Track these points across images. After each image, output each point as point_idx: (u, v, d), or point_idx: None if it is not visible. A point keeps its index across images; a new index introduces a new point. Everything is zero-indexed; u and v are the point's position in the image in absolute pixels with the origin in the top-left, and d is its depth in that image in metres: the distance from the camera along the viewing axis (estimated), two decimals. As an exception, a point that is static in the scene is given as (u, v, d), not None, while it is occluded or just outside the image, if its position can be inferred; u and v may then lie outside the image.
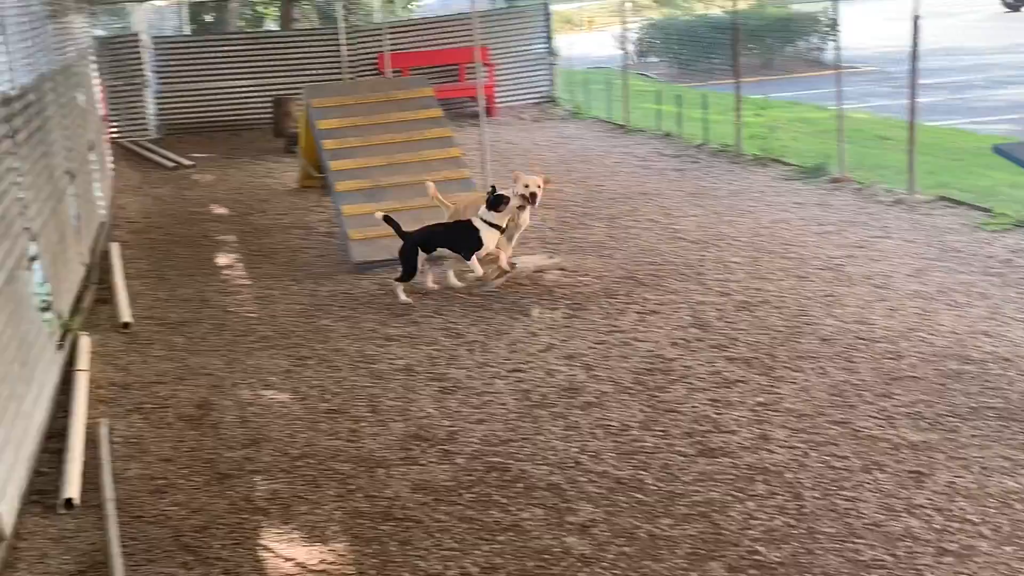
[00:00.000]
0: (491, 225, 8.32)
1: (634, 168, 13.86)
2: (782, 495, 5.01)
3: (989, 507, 4.76)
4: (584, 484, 5.27)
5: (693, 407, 6.10)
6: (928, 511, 4.76)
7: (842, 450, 5.43)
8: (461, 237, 8.39)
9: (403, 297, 8.43)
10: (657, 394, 6.33)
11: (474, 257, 8.33)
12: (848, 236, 9.56)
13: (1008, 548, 4.42)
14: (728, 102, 14.83)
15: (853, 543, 4.54)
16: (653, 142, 15.68)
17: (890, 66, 20.66)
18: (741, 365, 6.69)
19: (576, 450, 5.64)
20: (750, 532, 4.70)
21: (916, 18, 10.62)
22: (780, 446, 5.53)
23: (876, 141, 13.95)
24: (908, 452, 5.35)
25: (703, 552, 4.56)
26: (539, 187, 8.51)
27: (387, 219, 8.60)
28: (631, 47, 24.41)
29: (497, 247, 8.43)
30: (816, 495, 4.98)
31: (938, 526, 4.63)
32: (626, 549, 4.63)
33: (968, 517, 4.69)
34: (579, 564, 4.55)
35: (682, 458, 5.47)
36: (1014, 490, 4.88)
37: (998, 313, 7.25)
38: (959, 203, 10.35)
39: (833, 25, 18.10)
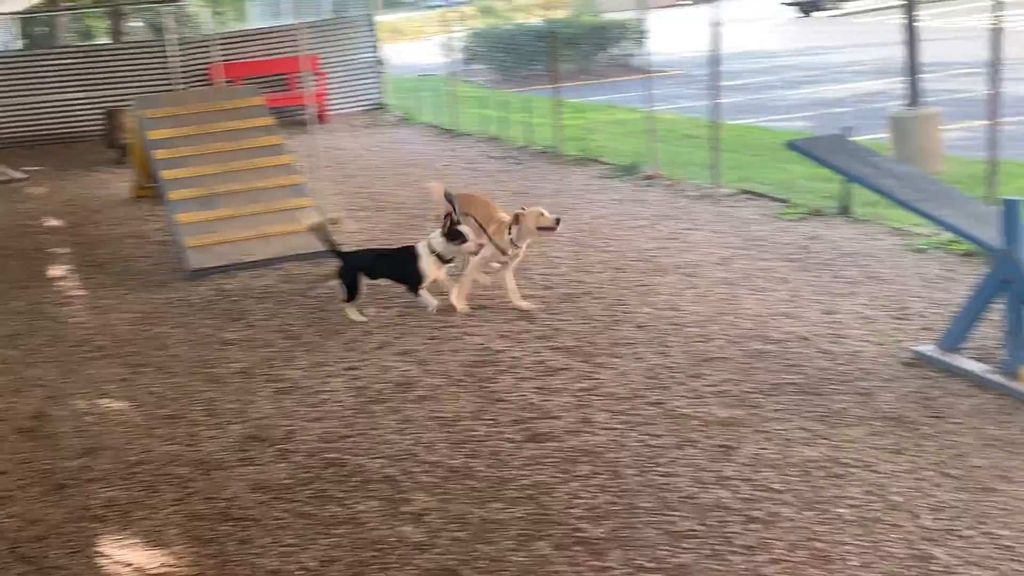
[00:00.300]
0: (436, 255, 7.47)
1: (462, 170, 13.88)
2: (604, 474, 5.10)
3: (791, 476, 4.93)
4: (418, 474, 5.26)
5: (520, 396, 6.15)
6: (736, 482, 4.91)
7: (658, 429, 5.55)
8: (401, 267, 7.60)
9: (356, 316, 7.60)
10: (487, 385, 6.36)
11: (423, 291, 7.55)
12: (661, 229, 9.78)
13: (809, 513, 4.58)
14: (549, 106, 15.00)
15: (669, 515, 4.64)
16: (480, 145, 15.74)
17: (696, 70, 21.17)
18: (564, 354, 6.77)
19: (410, 442, 5.63)
20: (574, 511, 4.77)
21: (715, 25, 10.94)
22: (601, 428, 5.62)
23: (684, 140, 14.30)
24: (717, 428, 5.50)
25: (531, 532, 4.60)
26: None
27: (318, 233, 7.85)
28: (457, 55, 24.45)
29: (445, 278, 7.70)
30: (635, 472, 5.08)
31: (745, 495, 4.77)
32: (458, 534, 4.64)
33: (772, 486, 4.85)
34: (414, 552, 4.54)
35: (511, 444, 5.51)
36: (813, 459, 5.07)
37: (797, 296, 7.51)
38: (760, 195, 10.70)
39: (642, 32, 18.57)
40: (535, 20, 27.41)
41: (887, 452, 5.07)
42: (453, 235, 7.40)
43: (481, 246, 7.47)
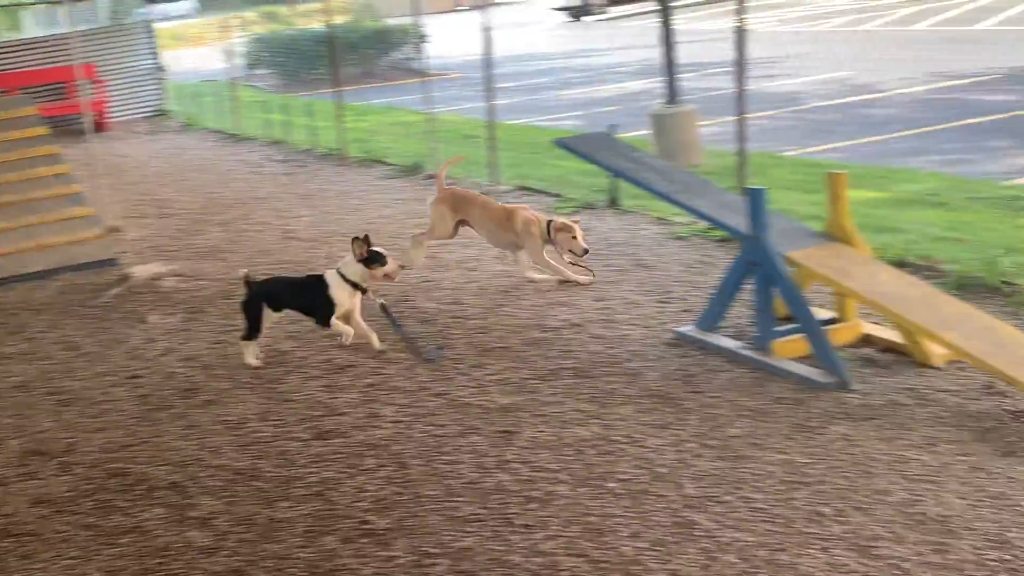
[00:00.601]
0: (348, 282, 6.44)
1: (247, 175, 13.59)
2: (390, 466, 5.08)
3: (566, 455, 5.03)
4: (205, 479, 5.12)
5: (307, 394, 6.07)
6: (515, 465, 4.97)
7: (442, 419, 5.57)
8: (309, 297, 6.51)
9: (252, 360, 6.51)
10: (274, 386, 6.24)
11: (335, 321, 6.45)
12: (442, 226, 9.81)
13: (582, 489, 4.68)
14: (332, 109, 14.85)
15: (453, 502, 4.67)
16: (264, 149, 15.45)
17: (474, 72, 21.37)
18: (351, 351, 6.70)
19: (196, 447, 5.47)
20: (361, 504, 4.73)
21: (487, 29, 11.05)
22: (388, 422, 5.60)
23: (465, 140, 14.41)
24: (498, 415, 5.56)
25: (318, 528, 4.55)
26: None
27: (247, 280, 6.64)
28: (239, 60, 23.89)
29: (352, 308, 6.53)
30: (420, 463, 5.09)
31: (524, 477, 4.84)
32: (246, 536, 4.54)
33: (549, 466, 4.94)
34: (200, 556, 4.41)
35: (298, 443, 5.43)
36: (586, 438, 5.19)
37: (570, 286, 7.66)
38: (536, 191, 10.88)
39: (422, 37, 18.60)
40: (317, 25, 27.08)
41: (653, 427, 5.24)
42: (372, 258, 6.40)
43: (402, 267, 6.65)
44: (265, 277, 6.85)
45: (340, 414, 5.77)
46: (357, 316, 6.54)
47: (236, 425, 5.71)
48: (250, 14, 32.94)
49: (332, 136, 14.50)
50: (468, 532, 4.40)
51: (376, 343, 6.54)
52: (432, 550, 4.28)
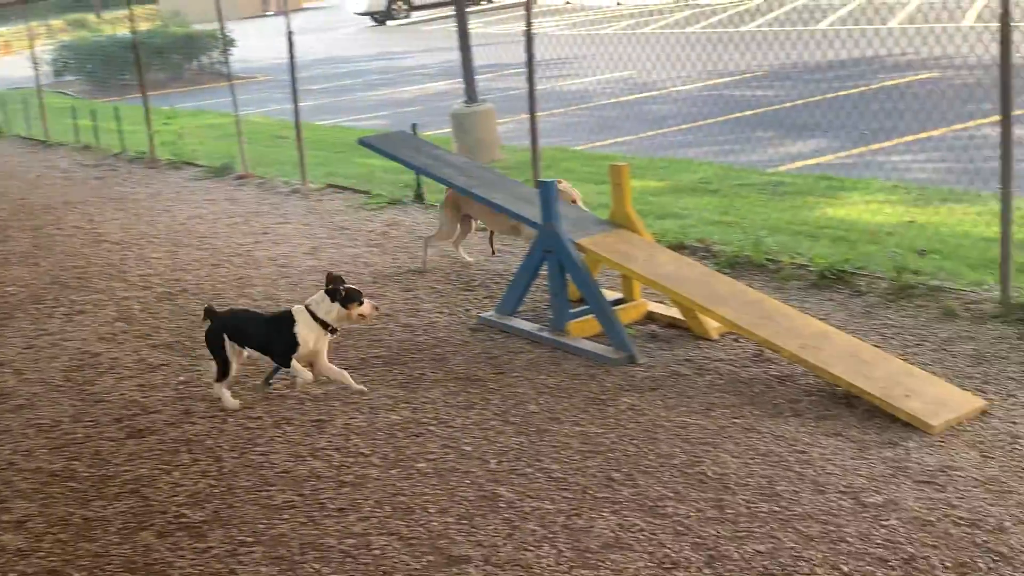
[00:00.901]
0: (318, 320, 5.39)
1: (56, 180, 12.93)
2: (204, 460, 4.92)
3: (377, 440, 4.99)
4: (18, 483, 4.84)
5: (121, 395, 5.82)
6: (328, 452, 4.90)
7: (256, 412, 5.42)
8: (272, 334, 5.43)
9: (229, 402, 5.48)
10: (87, 388, 5.96)
11: (295, 362, 5.36)
12: (254, 225, 9.59)
13: (394, 471, 4.65)
14: (140, 114, 14.27)
15: (267, 491, 4.56)
16: (73, 154, 14.75)
17: (283, 75, 20.96)
18: (165, 350, 6.48)
19: (8, 452, 5.17)
20: (177, 498, 4.57)
21: (290, 33, 10.86)
22: (201, 417, 5.43)
23: (274, 140, 14.11)
24: (311, 404, 5.46)
25: (134, 524, 4.36)
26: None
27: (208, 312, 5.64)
28: (46, 67, 22.71)
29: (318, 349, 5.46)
30: (234, 455, 4.95)
31: (337, 463, 4.77)
32: (61, 536, 4.32)
33: (361, 451, 4.88)
34: (16, 558, 4.17)
35: (112, 443, 5.20)
36: (396, 422, 5.15)
37: (379, 278, 7.61)
38: (344, 188, 10.74)
39: (229, 42, 18.07)
40: (124, 32, 26.02)
41: (459, 408, 5.25)
42: (349, 297, 5.39)
43: (376, 308, 5.60)
44: (226, 309, 5.77)
45: (154, 412, 5.55)
46: (324, 360, 5.48)
47: (49, 428, 5.43)
48: (57, 22, 31.31)
49: (141, 140, 13.95)
50: (283, 519, 4.30)
51: (353, 384, 5.51)
52: (247, 539, 4.17)
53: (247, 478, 4.70)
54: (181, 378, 5.98)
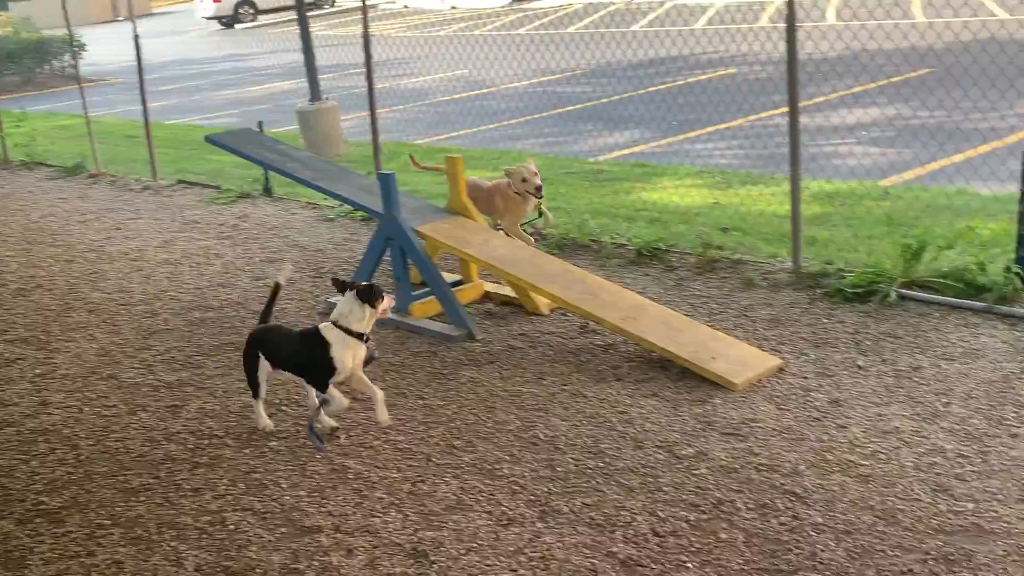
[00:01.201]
0: (351, 334, 4.37)
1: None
2: (61, 449, 4.70)
3: (231, 421, 4.85)
4: None
5: (-25, 390, 5.49)
6: (184, 435, 4.74)
7: (111, 400, 5.21)
8: (305, 357, 4.44)
9: (263, 422, 4.69)
10: (-61, 385, 5.60)
11: (331, 388, 4.43)
12: (107, 221, 9.18)
13: (247, 451, 4.52)
14: (-11, 116, 13.45)
15: (124, 475, 4.38)
16: (-79, 157, 13.77)
17: (134, 77, 20.13)
18: (20, 345, 6.15)
19: None
20: (35, 487, 4.35)
21: (136, 37, 10.43)
22: (58, 408, 5.17)
23: (125, 140, 13.53)
24: (166, 391, 5.28)
25: (-9, 516, 4.14)
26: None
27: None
28: None
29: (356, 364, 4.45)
30: (91, 443, 4.74)
31: (192, 446, 4.62)
32: (-86, 533, 4.05)
33: (216, 433, 4.74)
34: None
35: (-34, 438, 4.91)
36: (250, 404, 5.00)
37: (231, 268, 7.40)
38: (195, 184, 10.40)
39: (80, 46, 17.21)
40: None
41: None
42: (370, 293, 4.39)
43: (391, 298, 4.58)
44: (263, 326, 4.74)
45: (11, 404, 5.27)
46: (360, 373, 4.49)
47: (-101, 427, 5.07)
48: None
49: (-8, 142, 13.17)
50: (139, 501, 4.14)
51: (382, 412, 4.51)
52: (104, 522, 3.99)
53: (104, 464, 4.50)
54: (37, 371, 5.68)
